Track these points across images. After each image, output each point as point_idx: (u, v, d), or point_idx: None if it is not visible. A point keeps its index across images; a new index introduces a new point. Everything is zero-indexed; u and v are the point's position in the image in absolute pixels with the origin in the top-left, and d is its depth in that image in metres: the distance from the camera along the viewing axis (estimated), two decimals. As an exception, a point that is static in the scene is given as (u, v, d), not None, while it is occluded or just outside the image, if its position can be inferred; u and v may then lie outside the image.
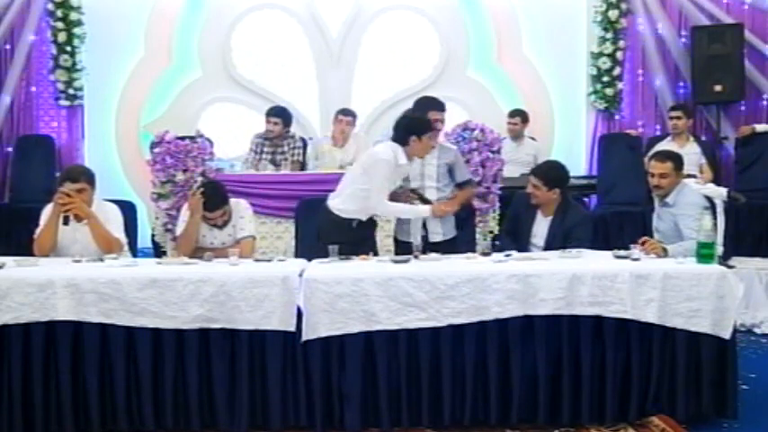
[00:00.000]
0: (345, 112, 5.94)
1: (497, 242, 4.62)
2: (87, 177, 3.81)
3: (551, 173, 4.08)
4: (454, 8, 7.18)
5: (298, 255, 4.22)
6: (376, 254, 3.87)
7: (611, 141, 6.59)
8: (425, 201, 4.12)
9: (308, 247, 4.13)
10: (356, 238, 3.89)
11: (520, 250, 3.78)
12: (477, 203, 4.86)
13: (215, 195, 3.86)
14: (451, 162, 4.26)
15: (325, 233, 3.95)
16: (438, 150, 4.18)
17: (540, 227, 4.11)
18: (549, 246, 3.99)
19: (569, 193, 4.28)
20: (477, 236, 4.92)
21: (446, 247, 4.01)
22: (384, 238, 4.52)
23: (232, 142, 6.63)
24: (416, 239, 3.96)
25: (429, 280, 3.17)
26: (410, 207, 4.06)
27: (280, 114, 5.72)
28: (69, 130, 6.79)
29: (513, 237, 4.14)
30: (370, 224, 4.12)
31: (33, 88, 6.76)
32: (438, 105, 4.28)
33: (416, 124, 3.96)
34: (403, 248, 4.05)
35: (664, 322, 3.20)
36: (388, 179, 3.92)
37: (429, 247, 3.91)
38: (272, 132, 5.65)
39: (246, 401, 3.18)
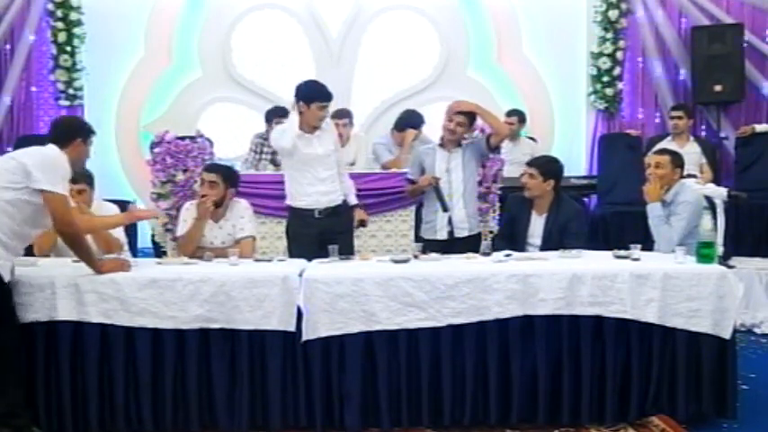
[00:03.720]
0: (339, 114, 5.83)
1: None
2: (86, 178, 3.82)
3: (548, 165, 4.16)
4: (454, 8, 7.18)
5: (297, 255, 4.22)
6: (351, 253, 3.86)
7: (611, 141, 6.59)
8: (443, 204, 4.14)
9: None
10: (323, 230, 3.91)
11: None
12: (477, 203, 4.85)
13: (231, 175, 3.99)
14: (475, 147, 4.32)
15: (291, 228, 4.09)
16: (462, 148, 4.29)
17: (536, 226, 4.12)
18: (546, 243, 4.01)
19: (567, 192, 4.32)
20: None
21: (473, 242, 4.12)
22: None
23: (232, 142, 6.64)
24: (443, 235, 4.04)
25: (429, 280, 3.17)
26: None
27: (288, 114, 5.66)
28: (69, 131, 6.79)
29: (510, 240, 4.13)
30: (340, 217, 4.10)
31: (33, 88, 6.77)
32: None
33: (304, 91, 4.12)
34: (430, 247, 3.89)
35: (664, 322, 3.20)
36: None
37: (457, 242, 4.00)
38: None
39: (246, 402, 3.18)
